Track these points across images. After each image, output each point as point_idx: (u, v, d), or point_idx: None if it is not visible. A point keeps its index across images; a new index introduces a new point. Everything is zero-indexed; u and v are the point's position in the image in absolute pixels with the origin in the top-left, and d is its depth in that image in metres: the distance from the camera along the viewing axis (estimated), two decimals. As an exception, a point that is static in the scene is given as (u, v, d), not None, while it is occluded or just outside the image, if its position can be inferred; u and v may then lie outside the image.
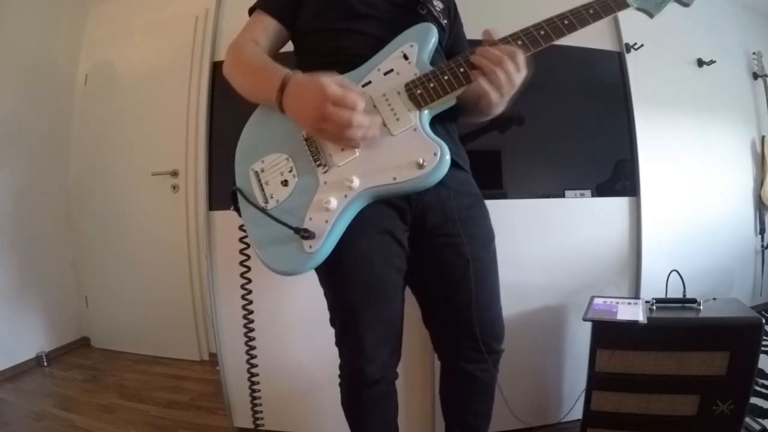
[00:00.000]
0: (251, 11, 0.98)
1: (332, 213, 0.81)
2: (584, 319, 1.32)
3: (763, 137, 2.33)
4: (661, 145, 1.72)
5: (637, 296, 1.58)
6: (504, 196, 1.52)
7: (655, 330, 1.27)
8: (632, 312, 1.30)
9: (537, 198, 1.54)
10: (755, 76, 2.35)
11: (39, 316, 2.39)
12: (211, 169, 1.53)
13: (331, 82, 0.75)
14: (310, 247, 0.80)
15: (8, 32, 2.28)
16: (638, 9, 0.89)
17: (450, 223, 0.91)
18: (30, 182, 2.39)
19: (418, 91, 0.83)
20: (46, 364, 2.32)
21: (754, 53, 2.34)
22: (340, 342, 0.96)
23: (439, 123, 0.89)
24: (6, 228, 2.28)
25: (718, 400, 1.28)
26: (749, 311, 1.34)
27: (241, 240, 1.10)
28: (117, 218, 2.43)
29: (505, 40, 0.82)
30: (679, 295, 1.42)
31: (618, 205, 1.60)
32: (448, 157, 0.80)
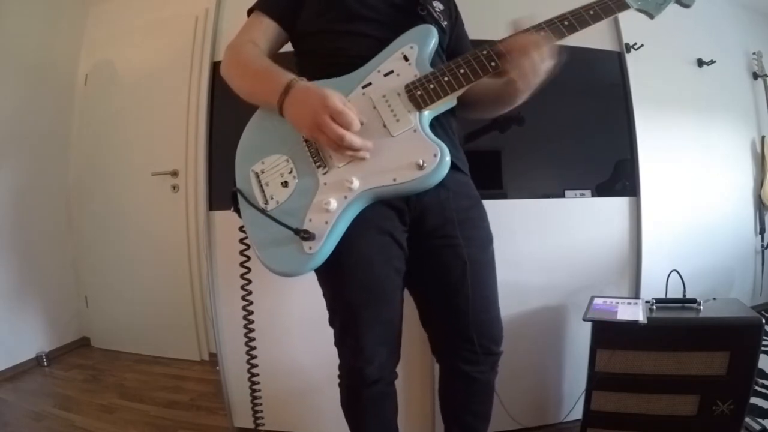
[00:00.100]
0: (250, 12, 0.98)
1: (332, 214, 0.81)
2: (584, 319, 1.32)
3: (763, 137, 2.33)
4: (661, 145, 1.72)
5: (637, 296, 1.58)
6: (504, 196, 1.52)
7: (655, 330, 1.27)
8: (632, 312, 1.30)
9: (537, 198, 1.54)
10: (755, 76, 2.35)
11: (39, 316, 2.39)
12: (211, 169, 1.53)
13: (334, 95, 0.77)
14: (310, 248, 0.80)
15: (8, 32, 2.28)
16: (638, 10, 0.88)
17: (449, 225, 0.91)
18: (30, 182, 2.39)
19: (418, 93, 0.83)
20: (46, 364, 2.32)
21: (754, 53, 2.34)
22: (339, 342, 0.96)
23: (438, 125, 0.89)
24: (6, 228, 2.28)
25: (718, 400, 1.28)
26: (749, 311, 1.34)
27: (241, 240, 1.10)
28: (117, 218, 2.43)
29: (529, 31, 0.83)
30: (679, 295, 1.42)
31: (618, 205, 1.60)
32: (447, 158, 0.80)
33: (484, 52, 0.83)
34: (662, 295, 1.46)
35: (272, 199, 0.85)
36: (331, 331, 0.97)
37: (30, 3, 2.36)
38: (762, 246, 2.37)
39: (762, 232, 2.36)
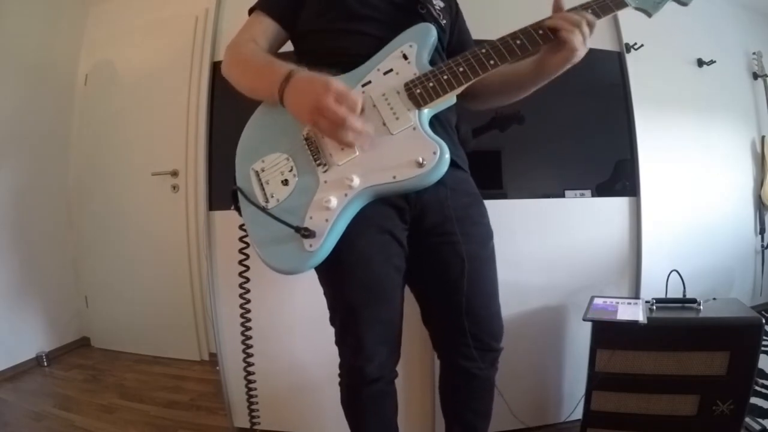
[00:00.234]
0: (251, 12, 0.98)
1: (332, 212, 0.81)
2: (584, 319, 1.32)
3: (763, 137, 2.33)
4: (661, 145, 1.72)
5: (637, 296, 1.58)
6: (504, 196, 1.52)
7: (655, 330, 1.27)
8: (632, 312, 1.30)
9: (537, 198, 1.54)
10: (755, 76, 2.35)
11: (39, 316, 2.39)
12: (211, 169, 1.53)
13: (338, 80, 0.77)
14: (311, 245, 0.80)
15: (8, 32, 2.28)
16: (637, 8, 0.89)
17: (448, 223, 0.91)
18: (30, 182, 2.39)
19: (418, 91, 0.83)
20: (46, 364, 2.32)
21: (754, 53, 2.34)
22: (339, 341, 0.96)
23: (438, 122, 0.90)
24: (6, 228, 2.28)
25: (718, 400, 1.28)
26: (749, 311, 1.34)
27: (241, 240, 1.10)
28: (117, 218, 2.43)
29: (573, 9, 0.85)
30: (679, 295, 1.42)
31: (618, 205, 1.60)
32: (447, 155, 0.80)
33: (483, 50, 0.84)
34: (662, 295, 1.46)
35: (272, 197, 0.85)
36: (331, 330, 0.97)
37: (30, 3, 2.36)
38: (762, 246, 2.37)
39: (762, 232, 2.36)
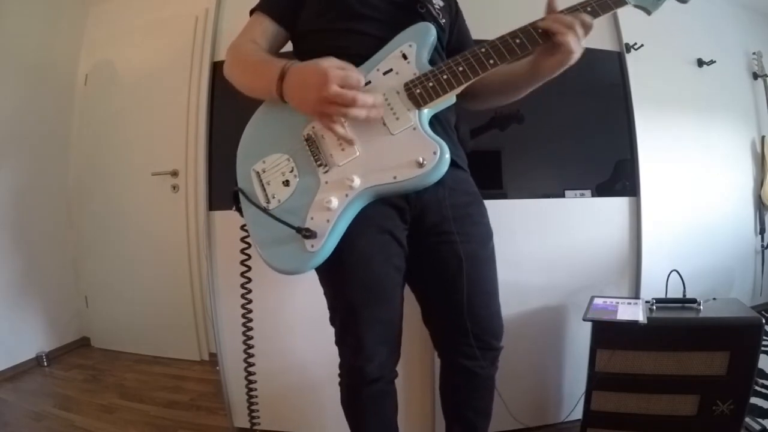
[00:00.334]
0: (252, 13, 0.98)
1: (333, 212, 0.81)
2: (584, 319, 1.32)
3: (763, 137, 2.33)
4: (661, 145, 1.72)
5: (637, 296, 1.58)
6: (504, 196, 1.52)
7: (655, 330, 1.27)
8: (632, 312, 1.30)
9: (537, 198, 1.54)
10: (755, 76, 2.35)
11: (39, 316, 2.39)
12: (211, 169, 1.53)
13: (331, 64, 0.77)
14: (312, 246, 0.81)
15: (8, 32, 2.28)
16: (636, 6, 0.89)
17: (446, 222, 0.91)
18: (30, 182, 2.39)
19: (417, 91, 0.83)
20: (46, 364, 2.32)
21: (754, 53, 2.34)
22: (339, 341, 0.96)
23: (438, 122, 0.90)
24: (6, 228, 2.28)
25: (718, 400, 1.28)
26: (749, 311, 1.34)
27: (241, 240, 1.10)
28: (117, 218, 2.43)
29: (572, 9, 0.84)
30: (679, 295, 1.42)
31: (618, 205, 1.60)
32: (447, 155, 0.80)
33: (483, 50, 0.83)
34: (662, 295, 1.46)
35: (274, 198, 0.86)
36: (331, 330, 0.97)
37: (30, 3, 2.36)
38: (762, 246, 2.37)
39: (762, 232, 2.36)
